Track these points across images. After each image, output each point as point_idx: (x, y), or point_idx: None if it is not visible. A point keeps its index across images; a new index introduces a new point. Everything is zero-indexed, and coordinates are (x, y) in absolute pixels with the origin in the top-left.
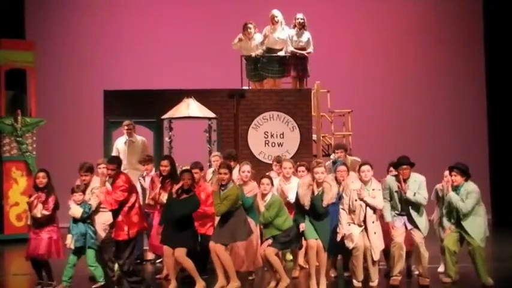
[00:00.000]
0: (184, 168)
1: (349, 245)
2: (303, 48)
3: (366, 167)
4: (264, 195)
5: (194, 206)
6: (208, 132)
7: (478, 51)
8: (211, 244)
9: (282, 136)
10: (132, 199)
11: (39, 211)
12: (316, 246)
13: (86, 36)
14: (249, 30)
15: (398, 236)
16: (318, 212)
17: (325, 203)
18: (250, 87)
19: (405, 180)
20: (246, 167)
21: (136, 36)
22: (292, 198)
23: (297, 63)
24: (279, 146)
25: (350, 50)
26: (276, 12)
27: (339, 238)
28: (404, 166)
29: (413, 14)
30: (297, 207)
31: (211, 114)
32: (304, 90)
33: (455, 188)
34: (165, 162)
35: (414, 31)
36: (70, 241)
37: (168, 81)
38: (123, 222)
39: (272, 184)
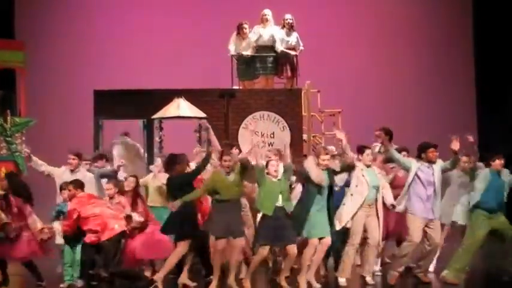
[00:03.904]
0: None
1: (337, 226)
2: (293, 49)
3: (368, 151)
4: None
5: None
6: (199, 132)
7: (468, 50)
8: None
9: (272, 136)
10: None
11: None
12: (316, 245)
13: (77, 36)
14: (244, 30)
15: (416, 233)
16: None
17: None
18: (240, 87)
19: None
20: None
21: (127, 36)
22: None
23: (287, 62)
24: (269, 145)
25: (340, 49)
26: (266, 11)
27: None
28: (431, 149)
29: (403, 14)
30: (308, 192)
31: (202, 114)
32: (295, 90)
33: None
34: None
35: (405, 31)
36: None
37: (158, 81)
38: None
39: None
